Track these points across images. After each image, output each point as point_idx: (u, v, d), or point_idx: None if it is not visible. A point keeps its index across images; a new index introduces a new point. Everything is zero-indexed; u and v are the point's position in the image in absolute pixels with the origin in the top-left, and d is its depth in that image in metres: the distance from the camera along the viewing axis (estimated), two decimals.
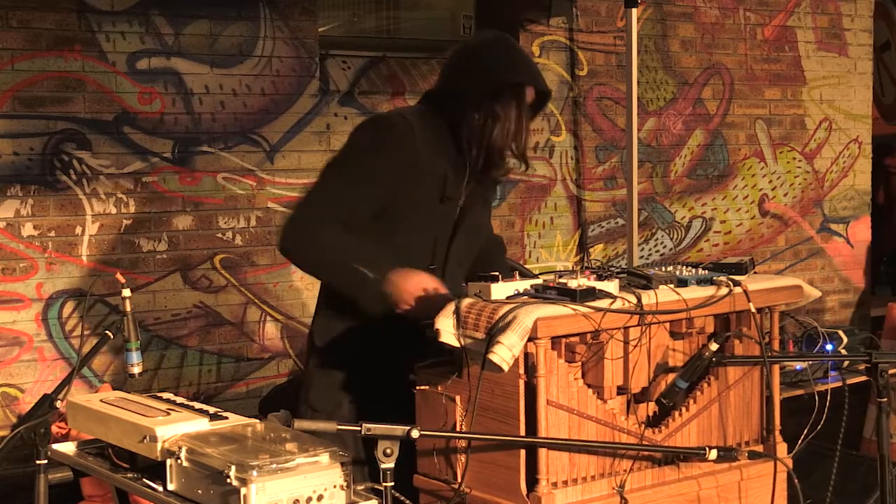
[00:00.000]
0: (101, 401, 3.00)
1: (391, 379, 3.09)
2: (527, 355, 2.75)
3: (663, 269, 3.10)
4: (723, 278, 3.02)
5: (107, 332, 2.90)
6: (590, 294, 2.78)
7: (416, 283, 3.03)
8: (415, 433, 2.53)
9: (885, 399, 2.89)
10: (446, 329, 2.78)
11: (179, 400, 3.03)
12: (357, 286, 3.07)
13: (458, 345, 2.77)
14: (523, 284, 2.88)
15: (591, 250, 6.52)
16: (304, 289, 5.57)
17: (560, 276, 2.88)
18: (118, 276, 2.99)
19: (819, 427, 3.04)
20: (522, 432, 2.76)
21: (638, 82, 5.92)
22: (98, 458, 2.98)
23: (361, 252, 3.08)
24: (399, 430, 2.52)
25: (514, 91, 3.16)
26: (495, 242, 3.61)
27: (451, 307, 2.81)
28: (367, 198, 3.12)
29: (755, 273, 3.19)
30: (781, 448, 3.16)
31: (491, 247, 3.53)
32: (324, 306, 3.32)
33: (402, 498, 2.65)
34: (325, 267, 3.17)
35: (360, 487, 2.58)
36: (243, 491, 2.37)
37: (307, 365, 3.40)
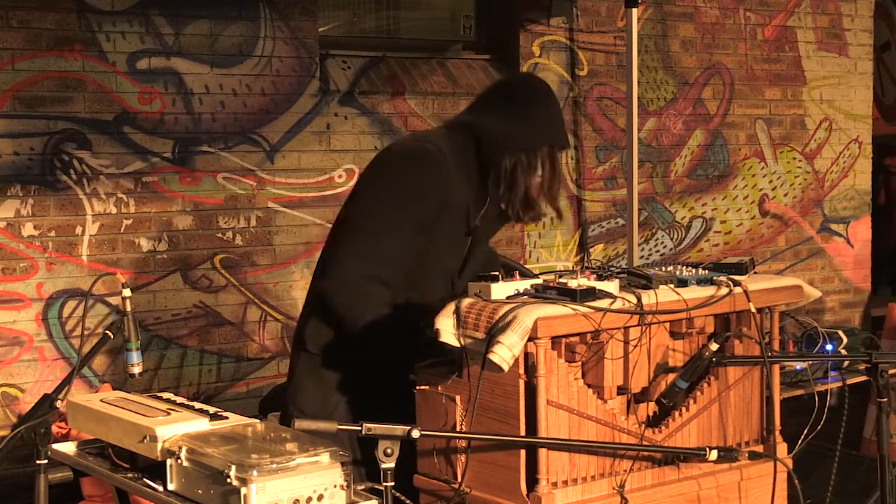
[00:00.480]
0: (102, 401, 3.00)
1: (386, 383, 3.08)
2: (527, 355, 2.74)
3: (663, 269, 3.10)
4: (723, 278, 3.02)
5: (107, 332, 2.89)
6: (590, 294, 2.78)
7: None
8: (415, 433, 2.53)
9: (885, 399, 2.89)
10: (446, 329, 2.78)
11: (179, 400, 3.02)
12: (404, 345, 3.03)
13: (458, 345, 2.77)
14: (523, 284, 2.88)
15: (591, 250, 6.52)
16: (304, 289, 5.55)
17: (560, 276, 2.88)
18: (118, 275, 2.99)
19: (819, 427, 3.04)
20: (522, 432, 2.76)
21: (638, 82, 5.92)
22: (98, 457, 2.98)
23: (396, 332, 3.04)
24: (399, 430, 2.52)
25: (553, 149, 3.23)
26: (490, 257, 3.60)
27: (451, 307, 2.81)
28: (409, 239, 3.08)
29: (755, 273, 3.19)
30: (781, 448, 3.16)
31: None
32: (316, 311, 3.28)
33: (403, 498, 2.65)
34: (370, 328, 3.08)
35: (360, 487, 2.58)
36: (243, 491, 2.37)
37: (293, 369, 3.37)
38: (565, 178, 6.42)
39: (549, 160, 3.22)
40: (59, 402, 2.77)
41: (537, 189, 3.21)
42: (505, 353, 2.64)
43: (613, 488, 2.88)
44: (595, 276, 2.86)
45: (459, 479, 2.89)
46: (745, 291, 2.98)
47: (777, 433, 3.17)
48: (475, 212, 3.18)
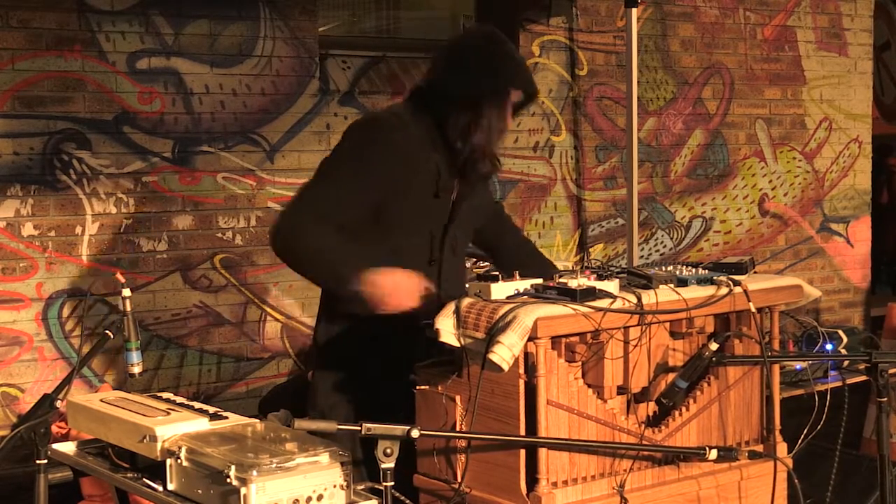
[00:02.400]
0: (101, 400, 3.00)
1: (393, 379, 3.09)
2: (527, 355, 2.74)
3: (663, 268, 3.10)
4: (723, 278, 3.02)
5: (107, 331, 2.90)
6: (590, 294, 2.78)
7: (392, 283, 3.01)
8: (415, 433, 2.53)
9: (885, 399, 2.89)
10: (446, 329, 2.78)
11: (179, 400, 3.02)
12: (335, 286, 3.08)
13: (458, 344, 2.77)
14: (523, 284, 2.88)
15: (591, 250, 6.53)
16: (305, 288, 5.57)
17: (560, 276, 2.88)
18: (118, 275, 2.99)
19: (819, 427, 3.04)
20: (522, 432, 2.76)
21: (638, 82, 5.92)
22: (98, 457, 2.98)
23: (343, 253, 3.07)
24: (399, 429, 2.52)
25: (499, 94, 3.17)
26: (496, 215, 3.61)
27: (451, 307, 2.81)
28: (362, 198, 3.11)
29: (755, 273, 3.19)
30: (781, 448, 3.16)
31: (492, 221, 3.54)
32: (325, 308, 3.32)
33: (403, 498, 2.65)
34: (309, 266, 3.15)
35: (359, 487, 2.58)
36: (243, 491, 2.37)
37: (313, 368, 3.40)
38: (566, 178, 6.42)
39: (498, 108, 3.16)
40: (58, 401, 2.77)
41: (484, 139, 3.17)
42: (505, 352, 2.64)
43: (613, 488, 2.88)
44: (595, 275, 2.86)
45: (459, 479, 2.89)
46: (745, 291, 2.98)
47: (777, 433, 3.17)
48: (447, 176, 3.19)
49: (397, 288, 3.00)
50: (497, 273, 2.90)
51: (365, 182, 3.10)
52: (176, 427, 2.69)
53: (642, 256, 6.60)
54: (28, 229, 5.03)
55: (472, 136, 3.14)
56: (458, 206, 3.25)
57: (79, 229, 5.13)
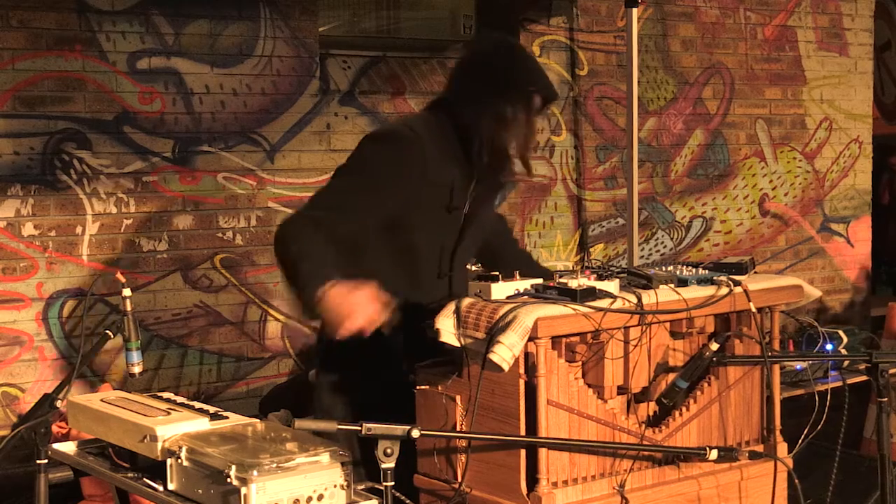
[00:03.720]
0: (102, 400, 3.01)
1: (393, 379, 3.09)
2: (527, 355, 2.75)
3: (664, 268, 3.10)
4: (723, 278, 3.02)
5: (107, 331, 2.90)
6: (590, 294, 2.78)
7: (349, 306, 2.87)
8: (415, 433, 2.53)
9: (886, 399, 2.89)
10: (446, 329, 2.78)
11: (180, 399, 3.03)
12: (297, 292, 2.98)
13: (458, 344, 2.77)
14: (523, 284, 2.88)
15: (591, 250, 6.52)
16: None
17: (560, 276, 2.88)
18: (118, 275, 2.99)
19: (819, 427, 3.04)
20: (523, 432, 2.76)
21: (638, 82, 5.92)
22: (98, 457, 2.98)
23: (320, 261, 2.96)
24: (399, 429, 2.52)
25: (525, 97, 3.18)
26: (498, 229, 3.61)
27: (451, 306, 2.81)
28: (371, 210, 3.09)
29: (755, 273, 3.19)
30: (782, 448, 3.16)
31: (493, 235, 3.53)
32: None
33: (403, 497, 2.65)
34: (284, 265, 3.05)
35: (360, 487, 2.58)
36: (244, 490, 2.37)
37: (317, 368, 3.40)
38: (566, 178, 6.42)
39: (524, 111, 3.18)
40: (59, 401, 2.77)
41: (508, 142, 3.17)
42: (505, 352, 2.64)
43: (614, 488, 2.88)
44: (595, 275, 2.87)
45: (460, 479, 2.89)
46: (746, 291, 2.98)
47: (777, 433, 3.17)
48: (461, 189, 3.18)
49: (354, 310, 2.87)
50: (497, 273, 2.90)
51: (374, 196, 3.08)
52: (176, 427, 2.69)
53: (642, 256, 6.60)
54: (28, 229, 5.03)
55: (499, 142, 3.14)
56: (470, 221, 3.25)
57: (79, 229, 5.14)
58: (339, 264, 2.96)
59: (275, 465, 2.42)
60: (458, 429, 2.89)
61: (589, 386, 2.87)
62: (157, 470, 2.68)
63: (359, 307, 2.86)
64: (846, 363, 4.84)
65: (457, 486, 2.90)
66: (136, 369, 2.94)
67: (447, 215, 3.18)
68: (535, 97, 3.21)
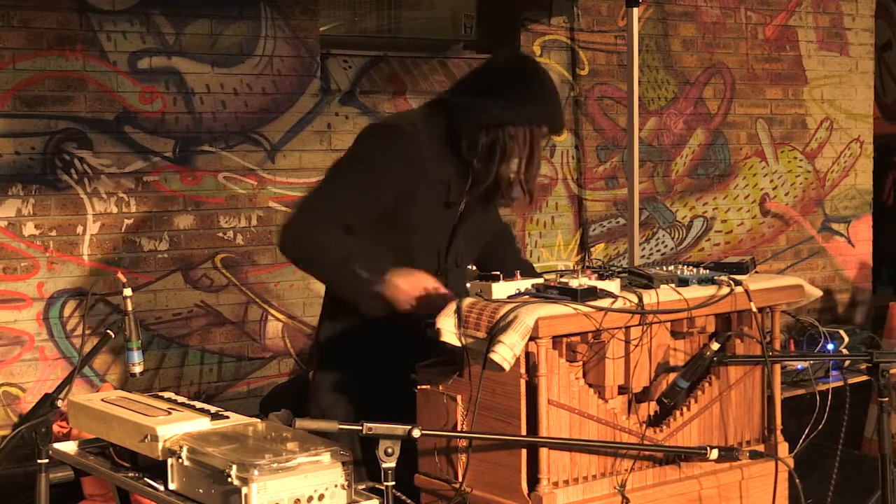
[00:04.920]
0: (103, 400, 3.01)
1: (394, 379, 3.09)
2: (528, 355, 2.75)
3: (664, 268, 3.10)
4: (724, 278, 3.02)
5: (108, 331, 2.90)
6: (591, 293, 2.78)
7: (414, 283, 3.03)
8: (416, 432, 2.53)
9: (886, 398, 2.89)
10: (447, 328, 2.78)
11: (181, 399, 3.03)
12: (352, 287, 3.08)
13: (459, 344, 2.77)
14: (524, 284, 2.88)
15: (592, 250, 6.52)
16: (306, 288, 5.57)
17: (561, 276, 2.88)
18: (119, 275, 2.99)
19: (820, 426, 3.04)
20: (524, 432, 2.76)
21: (639, 82, 5.92)
22: (99, 457, 2.98)
23: (358, 253, 3.08)
24: (400, 429, 2.52)
25: (525, 127, 3.16)
26: (501, 236, 3.61)
27: (452, 307, 2.81)
28: (371, 203, 3.11)
29: (756, 272, 3.19)
30: (782, 448, 3.16)
31: (495, 241, 3.53)
32: (327, 307, 3.32)
33: (404, 497, 2.65)
34: (322, 268, 3.17)
35: (361, 487, 2.58)
36: (244, 490, 2.38)
37: (315, 367, 3.40)
38: (567, 178, 6.42)
39: (527, 141, 3.16)
40: (60, 401, 2.77)
41: (512, 170, 3.17)
42: (506, 352, 2.64)
43: (614, 488, 2.88)
44: (596, 275, 2.87)
45: (460, 479, 2.89)
46: (747, 291, 2.98)
47: (778, 432, 3.17)
48: (458, 186, 3.18)
49: (418, 288, 3.03)
50: (498, 273, 2.90)
51: (372, 188, 3.10)
52: (177, 427, 2.69)
53: (643, 256, 6.60)
54: (29, 229, 5.03)
55: (497, 167, 3.14)
56: (466, 218, 3.25)
57: (80, 229, 5.14)
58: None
59: (275, 465, 2.42)
60: (458, 428, 2.89)
61: (590, 385, 2.87)
62: (157, 470, 2.69)
63: (421, 283, 3.04)
64: (847, 363, 4.84)
65: (457, 485, 2.90)
66: (137, 369, 2.94)
67: (444, 211, 3.19)
68: (541, 126, 3.20)
